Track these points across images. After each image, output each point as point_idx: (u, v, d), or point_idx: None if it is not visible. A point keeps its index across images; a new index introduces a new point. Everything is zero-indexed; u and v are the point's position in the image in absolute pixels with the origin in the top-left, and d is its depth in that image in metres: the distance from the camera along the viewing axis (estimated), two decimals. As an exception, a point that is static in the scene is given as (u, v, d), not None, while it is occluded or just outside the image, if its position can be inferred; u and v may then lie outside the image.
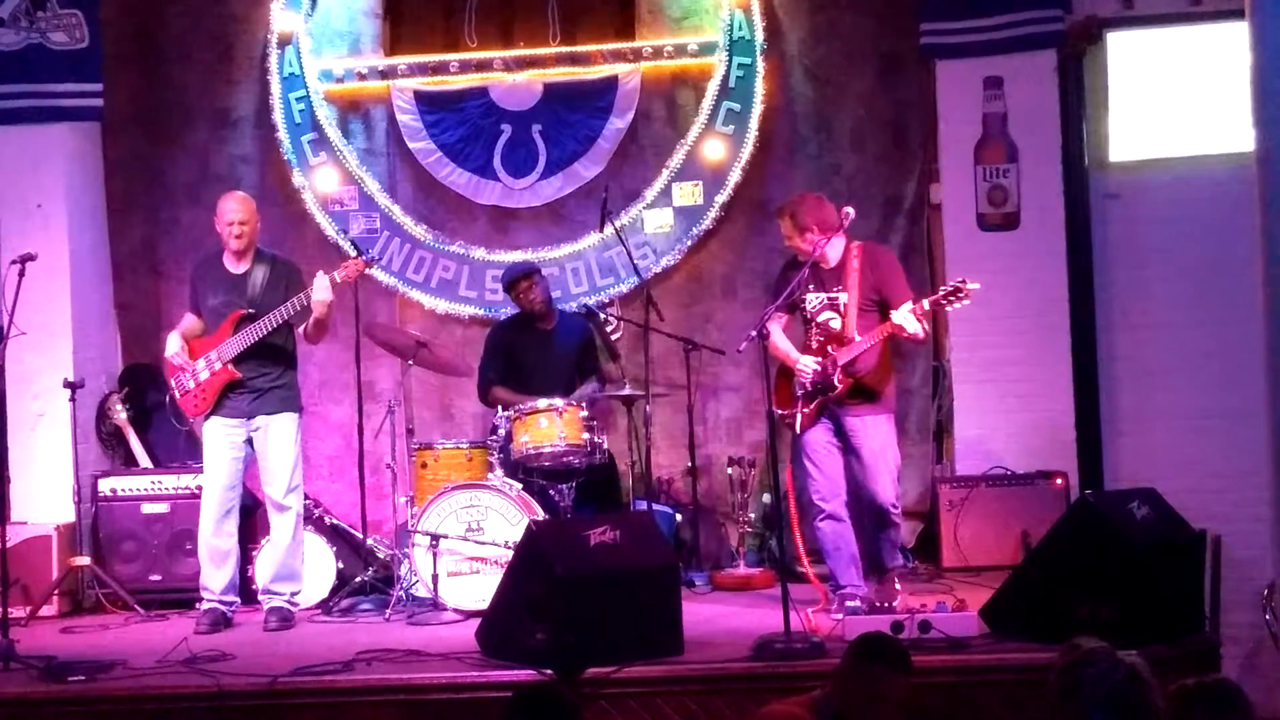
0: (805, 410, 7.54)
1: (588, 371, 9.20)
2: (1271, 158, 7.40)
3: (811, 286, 7.57)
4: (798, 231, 7.56)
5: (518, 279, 9.18)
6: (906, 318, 7.24)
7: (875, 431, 7.51)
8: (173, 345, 8.18)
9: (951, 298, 7.26)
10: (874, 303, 7.48)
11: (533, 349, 9.16)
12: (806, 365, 7.46)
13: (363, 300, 8.86)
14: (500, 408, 8.68)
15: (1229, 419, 8.79)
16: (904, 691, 5.05)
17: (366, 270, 8.31)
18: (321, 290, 7.93)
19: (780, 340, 7.65)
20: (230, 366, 8.03)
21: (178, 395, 8.24)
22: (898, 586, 7.50)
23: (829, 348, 7.45)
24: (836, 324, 7.48)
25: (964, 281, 7.21)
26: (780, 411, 7.64)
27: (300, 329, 8.13)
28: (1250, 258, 7.69)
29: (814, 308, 7.57)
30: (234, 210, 8.16)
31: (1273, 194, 7.36)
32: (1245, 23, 7.79)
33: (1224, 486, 8.60)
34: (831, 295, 7.53)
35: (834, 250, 7.57)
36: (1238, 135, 8.70)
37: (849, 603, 7.20)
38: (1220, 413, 8.90)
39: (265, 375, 8.11)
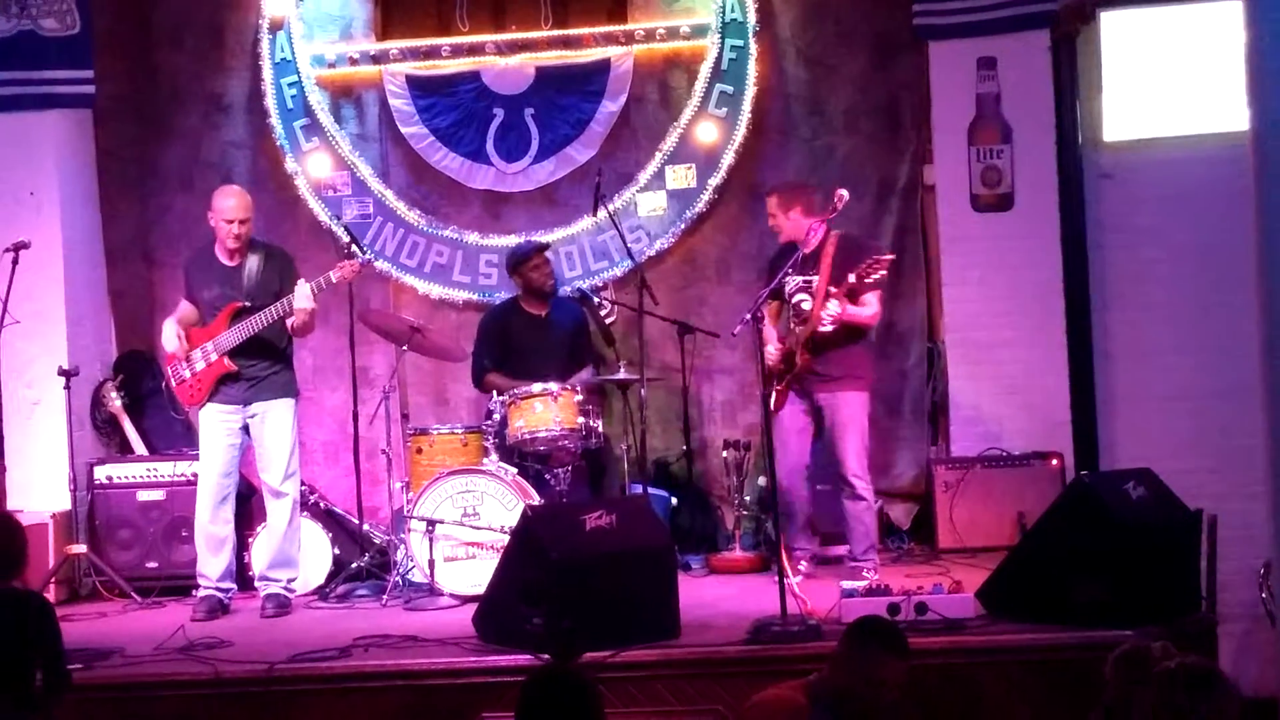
0: (778, 388, 7.91)
1: (583, 356, 9.19)
2: (1266, 137, 7.35)
3: (791, 270, 7.89)
4: (782, 210, 8.09)
5: (530, 254, 9.19)
6: (826, 303, 7.73)
7: (844, 404, 7.97)
8: (169, 334, 8.16)
9: (869, 270, 7.61)
10: (845, 288, 7.75)
11: (527, 334, 9.15)
12: (769, 351, 7.92)
13: (356, 286, 8.83)
14: (495, 393, 8.68)
15: (1224, 398, 8.77)
16: (901, 674, 5.06)
17: (360, 272, 8.30)
18: (302, 299, 7.92)
19: (767, 327, 7.93)
20: (226, 359, 8.01)
21: (174, 384, 8.24)
22: (863, 578, 7.55)
23: (795, 328, 7.90)
24: (808, 305, 7.88)
25: (880, 254, 7.78)
26: (760, 392, 7.99)
27: (289, 323, 8.11)
28: (1245, 237, 7.66)
29: (791, 290, 7.98)
30: (234, 209, 8.10)
31: (1267, 173, 7.32)
32: (1239, 1, 7.77)
33: (1220, 466, 8.60)
34: (807, 279, 7.89)
35: (813, 236, 7.97)
36: (1232, 115, 8.67)
37: (845, 584, 7.21)
38: (1215, 392, 8.89)
39: (262, 363, 8.11)
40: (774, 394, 7.87)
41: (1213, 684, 4.24)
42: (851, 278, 7.68)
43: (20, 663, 5.62)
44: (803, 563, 8.00)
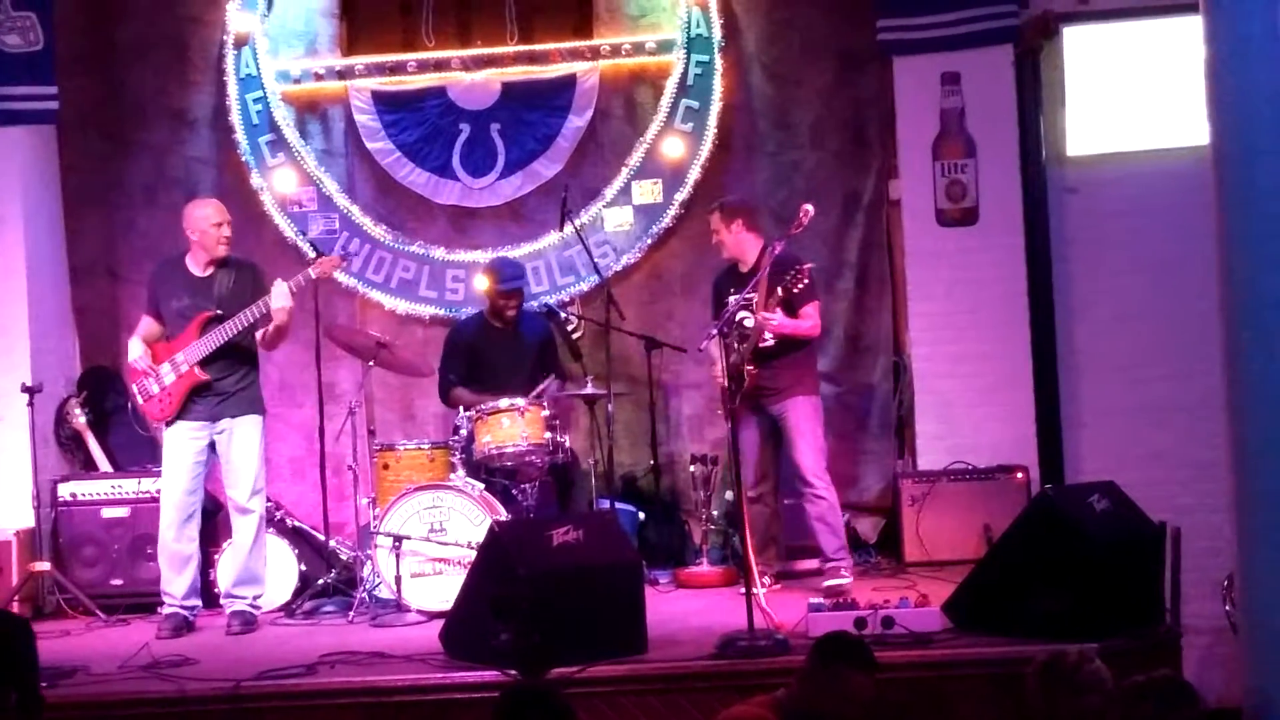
0: (733, 405, 7.79)
1: (549, 371, 9.18)
2: (1227, 151, 7.39)
3: (732, 289, 8.11)
4: (724, 225, 8.31)
5: (511, 291, 9.13)
6: (763, 317, 7.84)
7: (794, 409, 8.10)
8: (135, 350, 8.12)
9: (794, 281, 7.77)
10: (781, 300, 7.87)
11: (494, 348, 9.13)
12: (718, 370, 8.01)
13: (323, 301, 8.82)
14: (462, 408, 8.67)
15: (1188, 412, 8.82)
16: (869, 688, 5.06)
17: (341, 266, 8.31)
18: (280, 297, 7.89)
19: (711, 348, 8.09)
20: (197, 369, 7.97)
21: (140, 401, 8.16)
22: (842, 576, 7.77)
23: (740, 344, 7.94)
24: (750, 322, 7.97)
25: (801, 264, 7.85)
26: (718, 410, 8.29)
27: (259, 334, 8.09)
28: (1208, 250, 7.71)
29: (732, 308, 8.02)
30: (218, 212, 8.15)
31: (1229, 188, 7.36)
32: (1199, 17, 7.82)
33: (1184, 479, 8.65)
34: (747, 296, 7.96)
35: (751, 252, 8.19)
36: (1195, 129, 8.67)
37: (811, 599, 7.22)
38: (1179, 405, 8.94)
39: (231, 376, 8.06)
40: (730, 409, 7.80)
41: (1180, 696, 4.27)
42: (779, 291, 7.79)
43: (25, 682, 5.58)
44: (766, 577, 8.01)
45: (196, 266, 8.13)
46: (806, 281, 7.84)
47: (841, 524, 8.30)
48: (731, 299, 8.07)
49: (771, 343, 7.95)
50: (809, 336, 8.19)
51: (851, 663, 5.06)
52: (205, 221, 8.09)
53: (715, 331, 7.38)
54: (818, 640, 5.31)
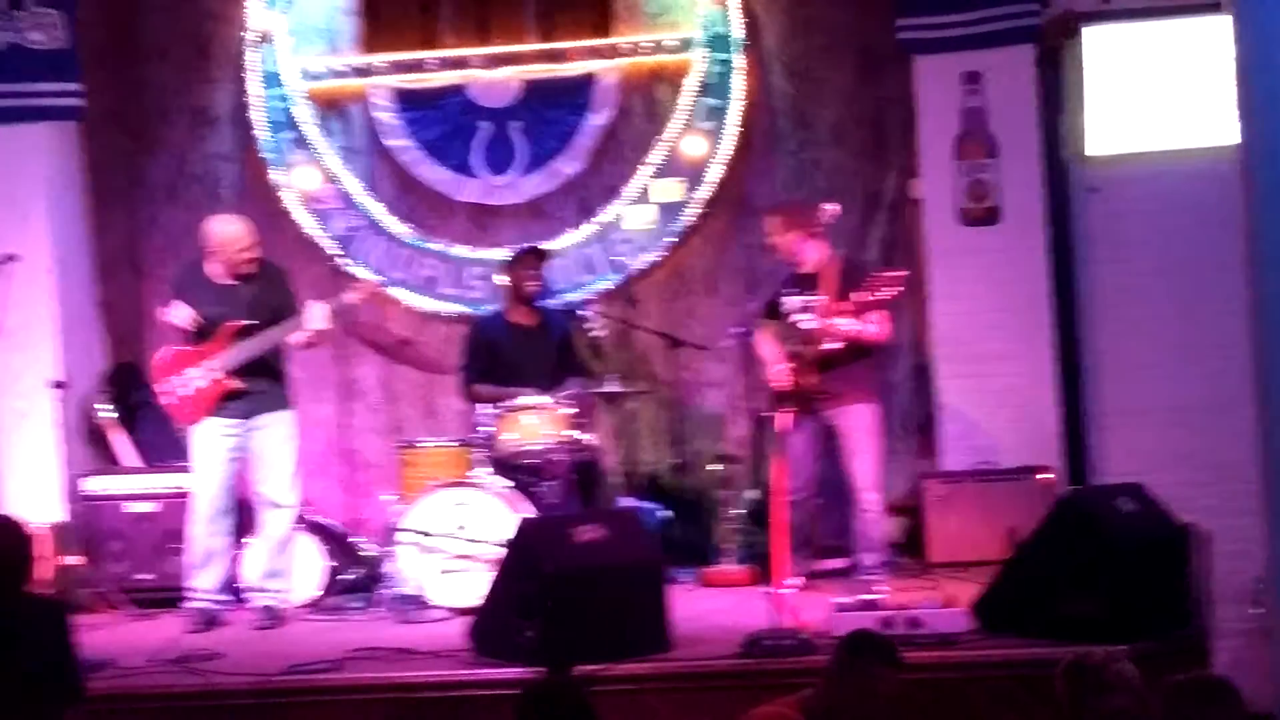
0: (787, 408, 7.77)
1: (570, 367, 9.18)
2: (1255, 150, 7.42)
3: (794, 290, 7.91)
4: (782, 231, 7.99)
5: (523, 253, 9.18)
6: (846, 322, 7.65)
7: (855, 418, 7.92)
8: (183, 312, 8.02)
9: (884, 284, 7.56)
10: (848, 307, 7.70)
11: (515, 344, 9.11)
12: (780, 373, 7.83)
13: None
14: (483, 403, 8.67)
15: (1214, 411, 8.79)
16: (895, 686, 5.05)
17: (379, 290, 8.32)
18: (318, 320, 7.91)
19: (764, 346, 7.99)
20: (229, 378, 7.96)
21: (164, 403, 8.15)
22: (877, 591, 7.49)
23: (803, 347, 7.76)
24: (809, 325, 7.79)
25: (891, 272, 7.70)
26: (765, 414, 8.03)
27: (292, 340, 8.10)
28: (1232, 249, 7.70)
29: (789, 310, 7.91)
30: (243, 236, 8.01)
31: (1259, 187, 7.38)
32: (1222, 16, 7.82)
33: (1210, 479, 8.61)
34: (807, 299, 7.83)
35: (813, 255, 7.95)
36: (1217, 129, 8.73)
37: (837, 599, 7.22)
38: (1205, 405, 8.90)
39: (263, 378, 8.07)
40: (783, 412, 7.78)
41: (1223, 696, 4.27)
42: (866, 295, 7.61)
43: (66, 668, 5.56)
44: (836, 600, 7.48)
45: (218, 275, 8.09)
46: (899, 289, 7.67)
47: (884, 537, 8.22)
48: (787, 300, 7.96)
49: (838, 346, 7.78)
50: (878, 343, 8.05)
51: (878, 659, 5.04)
52: (233, 247, 7.98)
53: (738, 330, 7.35)
54: (844, 637, 5.29)
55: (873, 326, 7.79)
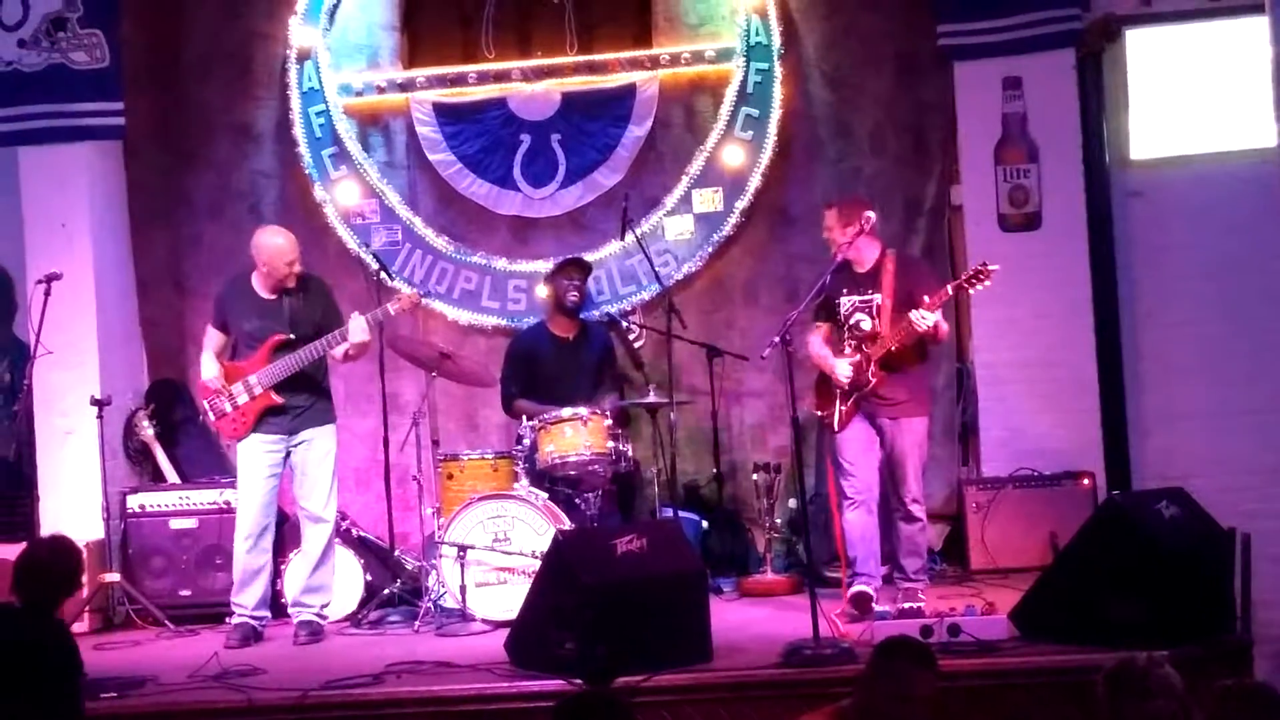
0: (843, 408, 7.74)
1: (608, 381, 9.18)
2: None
3: (845, 290, 7.80)
4: (841, 224, 7.78)
5: (565, 263, 9.27)
6: (920, 314, 7.43)
7: (908, 430, 7.76)
8: (210, 368, 8.17)
9: (974, 280, 7.53)
10: (906, 305, 7.60)
11: (554, 359, 9.16)
12: (843, 369, 7.70)
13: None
14: (524, 418, 8.69)
15: (1256, 415, 8.75)
16: (931, 688, 4.99)
17: (419, 303, 8.34)
18: (359, 332, 7.96)
19: (818, 348, 7.89)
20: (272, 394, 8.02)
21: (212, 419, 8.20)
22: (920, 599, 7.47)
23: (863, 346, 7.68)
24: (867, 324, 7.72)
25: (984, 264, 7.51)
26: (820, 413, 7.92)
27: (338, 352, 8.14)
28: (1274, 252, 7.67)
29: (847, 310, 7.80)
30: (288, 250, 8.07)
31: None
32: (1265, 18, 7.78)
33: (1252, 484, 8.57)
34: (865, 298, 7.76)
35: (869, 254, 7.84)
36: (1260, 131, 8.68)
37: (877, 607, 7.19)
38: (1247, 409, 8.85)
39: (304, 395, 8.13)
40: (839, 412, 7.75)
41: (1267, 702, 4.23)
42: (950, 289, 7.56)
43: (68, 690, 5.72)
44: (877, 606, 7.38)
45: (263, 289, 8.15)
46: (989, 284, 7.62)
47: (926, 546, 8.13)
48: (844, 300, 7.82)
49: (896, 347, 7.61)
50: (945, 339, 8.05)
51: (912, 660, 4.99)
52: (279, 259, 8.05)
53: (778, 338, 7.20)
54: (878, 644, 5.25)
55: (938, 321, 7.60)
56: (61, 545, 6.10)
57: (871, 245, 7.84)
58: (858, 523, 7.75)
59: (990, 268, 7.48)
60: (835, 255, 7.75)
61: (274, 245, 8.11)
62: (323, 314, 8.14)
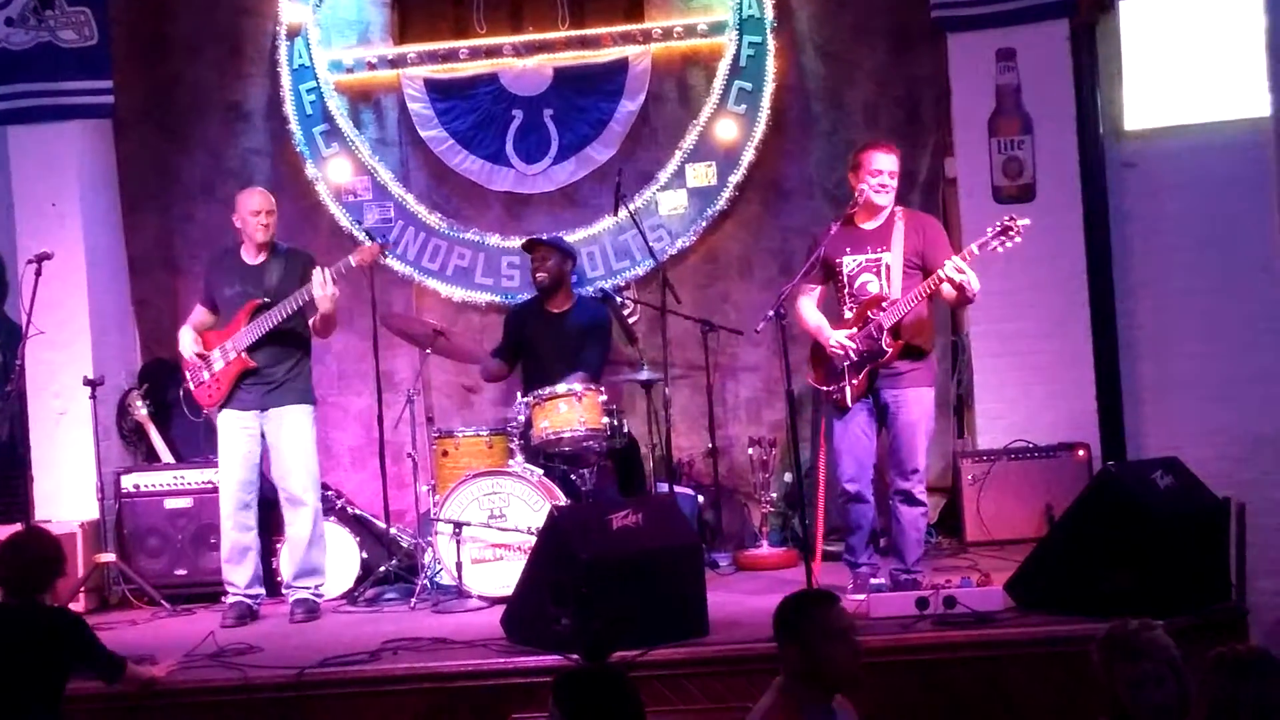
0: (854, 382, 7.27)
1: (587, 356, 8.94)
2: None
3: (849, 249, 7.32)
4: (898, 172, 7.37)
5: (529, 246, 9.29)
6: (958, 266, 6.98)
7: (913, 401, 7.26)
8: (185, 340, 8.21)
9: (1002, 237, 6.99)
10: (916, 266, 7.24)
11: (541, 332, 9.09)
12: (838, 342, 7.24)
13: (379, 290, 8.89)
14: (519, 394, 8.66)
15: (1250, 385, 8.76)
16: (845, 617, 4.89)
17: (383, 256, 8.33)
18: (319, 285, 7.92)
19: (811, 314, 7.46)
20: (245, 355, 8.03)
21: (192, 387, 8.26)
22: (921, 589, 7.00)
23: (868, 312, 7.20)
24: (874, 287, 7.25)
25: (1012, 219, 7.00)
26: (825, 388, 7.42)
27: (310, 322, 8.13)
28: (1268, 222, 7.66)
29: (852, 270, 7.32)
30: (259, 201, 8.18)
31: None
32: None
33: (1247, 453, 8.58)
34: (872, 257, 7.29)
35: (880, 212, 7.34)
36: (1254, 100, 8.66)
37: (873, 580, 7.17)
38: (1242, 379, 8.87)
39: (281, 365, 8.12)
40: (849, 387, 7.26)
41: (1263, 666, 4.23)
42: (975, 248, 7.00)
43: (52, 679, 5.89)
44: (873, 579, 7.27)
45: (249, 255, 8.20)
46: (1019, 241, 6.99)
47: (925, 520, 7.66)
48: (846, 260, 7.32)
49: (906, 312, 7.13)
50: (969, 295, 7.18)
51: (815, 605, 4.91)
52: (245, 209, 8.16)
53: (772, 312, 6.99)
54: (774, 616, 5.00)
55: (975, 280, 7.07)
56: (32, 535, 6.24)
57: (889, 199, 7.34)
58: (853, 511, 7.41)
59: (1021, 222, 6.95)
60: (857, 200, 7.25)
61: (246, 201, 8.20)
62: (300, 282, 8.09)
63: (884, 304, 7.20)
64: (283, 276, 8.14)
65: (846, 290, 7.36)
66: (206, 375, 8.13)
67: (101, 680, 6.22)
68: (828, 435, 7.79)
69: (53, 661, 5.89)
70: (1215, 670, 4.25)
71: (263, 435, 8.14)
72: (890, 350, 7.17)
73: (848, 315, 7.33)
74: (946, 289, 7.13)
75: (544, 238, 9.33)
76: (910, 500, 7.32)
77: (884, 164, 7.30)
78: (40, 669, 5.84)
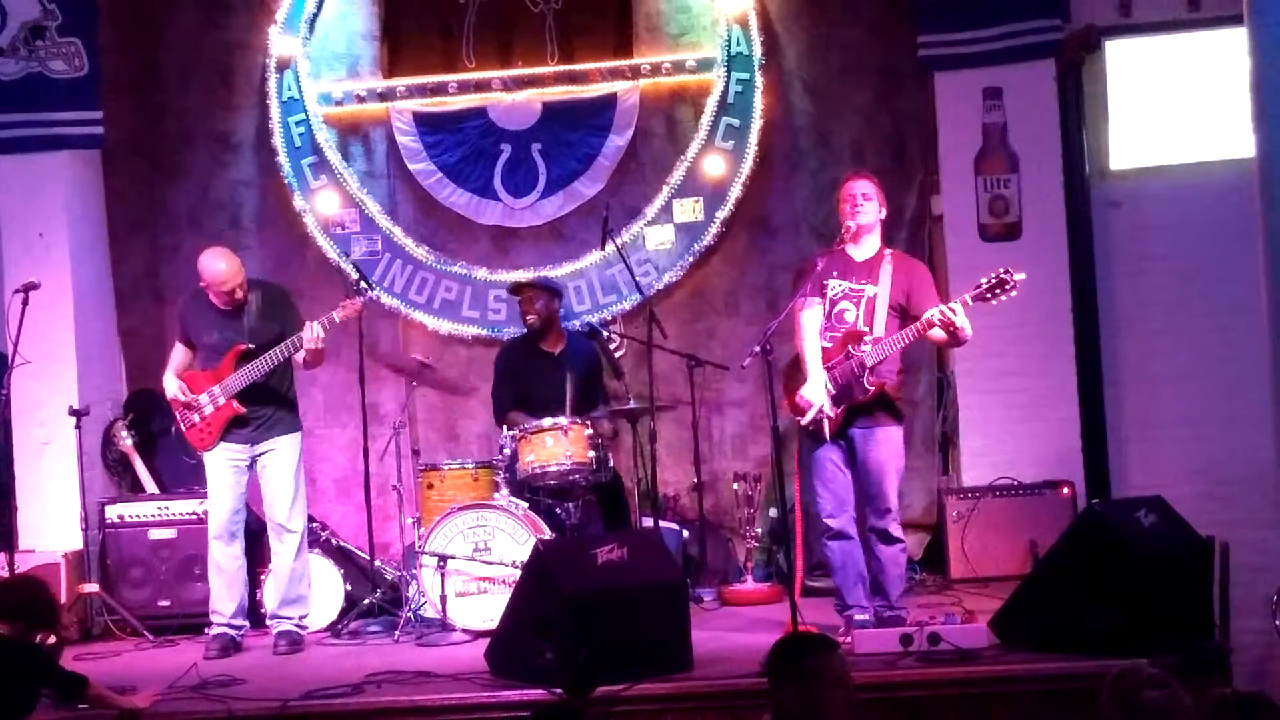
0: (833, 415, 7.18)
1: (594, 395, 9.08)
2: (1271, 161, 7.40)
3: (836, 273, 7.28)
4: (878, 195, 7.33)
5: (517, 289, 9.28)
6: (955, 309, 6.96)
7: (885, 440, 7.22)
8: (171, 387, 8.21)
9: (997, 290, 6.97)
10: (899, 309, 7.22)
11: (539, 374, 9.04)
12: (813, 394, 7.15)
13: (366, 322, 8.85)
14: (505, 427, 8.67)
15: (1235, 425, 8.78)
16: (842, 667, 4.88)
17: (361, 310, 8.28)
18: (312, 340, 7.93)
19: (810, 339, 7.29)
20: (235, 402, 8.02)
21: (184, 429, 8.21)
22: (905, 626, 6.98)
23: (849, 346, 7.17)
24: (850, 316, 7.22)
25: (1009, 271, 6.96)
26: (803, 420, 7.28)
27: (299, 358, 8.13)
28: (1253, 262, 7.69)
29: (835, 294, 7.28)
30: (226, 275, 8.02)
31: (1274, 197, 7.36)
32: (1244, 29, 7.80)
33: (1231, 493, 8.60)
34: (855, 287, 7.26)
35: (869, 244, 7.33)
36: (1238, 141, 8.70)
37: (858, 617, 7.17)
38: (1226, 419, 8.90)
39: (267, 407, 8.12)
40: (825, 421, 7.17)
41: (1262, 712, 4.23)
42: (969, 298, 6.99)
43: (16, 712, 5.97)
44: (857, 616, 7.19)
45: (219, 303, 8.13)
46: (1014, 295, 7.00)
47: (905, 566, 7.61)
48: (834, 283, 7.26)
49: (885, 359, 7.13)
50: (960, 339, 7.16)
51: (815, 651, 4.89)
52: (218, 284, 8.02)
53: (758, 348, 6.89)
54: (769, 656, 4.97)
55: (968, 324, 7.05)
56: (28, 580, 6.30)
57: (871, 239, 7.34)
58: (837, 550, 7.30)
59: (1017, 276, 6.93)
60: (844, 234, 7.21)
61: (214, 270, 8.05)
62: (283, 323, 8.11)
63: (867, 340, 7.16)
64: (260, 316, 8.13)
65: (829, 314, 7.30)
66: (197, 419, 8.10)
67: (62, 701, 6.21)
68: (804, 468, 7.75)
69: (13, 692, 5.92)
70: (1218, 713, 4.25)
71: (250, 466, 8.15)
72: (871, 390, 7.15)
73: (826, 345, 7.27)
74: (936, 333, 7.15)
75: (530, 279, 9.33)
76: (887, 539, 7.26)
77: (857, 187, 7.32)
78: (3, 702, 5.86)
